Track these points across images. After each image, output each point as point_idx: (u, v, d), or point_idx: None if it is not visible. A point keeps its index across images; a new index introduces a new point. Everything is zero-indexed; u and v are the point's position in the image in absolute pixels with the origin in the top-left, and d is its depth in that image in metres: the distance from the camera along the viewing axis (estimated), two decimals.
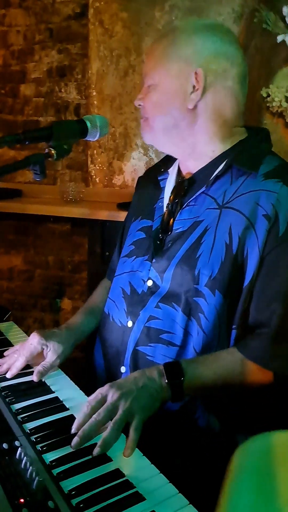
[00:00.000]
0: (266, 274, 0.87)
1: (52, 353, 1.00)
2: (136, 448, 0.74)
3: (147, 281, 0.98)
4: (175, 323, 0.92)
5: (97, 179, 2.09)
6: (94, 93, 2.06)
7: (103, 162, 2.07)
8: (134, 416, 0.76)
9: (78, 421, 0.77)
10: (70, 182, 2.08)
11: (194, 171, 1.00)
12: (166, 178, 1.08)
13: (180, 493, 0.66)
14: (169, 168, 1.09)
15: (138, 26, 1.98)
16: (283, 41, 1.76)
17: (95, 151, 2.07)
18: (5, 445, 0.72)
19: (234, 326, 0.90)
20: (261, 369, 0.88)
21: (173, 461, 0.80)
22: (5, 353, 1.05)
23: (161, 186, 1.08)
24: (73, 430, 0.76)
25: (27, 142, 0.87)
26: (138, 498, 0.64)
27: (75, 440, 0.73)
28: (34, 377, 0.95)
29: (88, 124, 0.93)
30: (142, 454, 0.74)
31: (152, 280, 0.97)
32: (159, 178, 1.10)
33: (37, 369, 0.97)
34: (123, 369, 0.99)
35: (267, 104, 1.77)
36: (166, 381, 0.82)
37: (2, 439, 0.74)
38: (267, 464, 0.27)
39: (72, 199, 1.97)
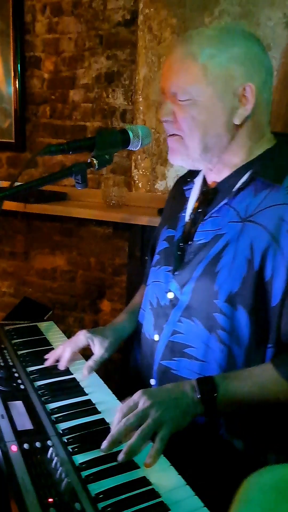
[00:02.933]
0: None
1: (99, 347, 1.04)
2: (164, 458, 0.75)
3: (167, 293, 0.98)
4: (196, 337, 0.91)
5: (139, 184, 2.11)
6: (141, 99, 2.08)
7: (147, 167, 2.09)
8: (163, 426, 0.76)
9: (112, 427, 0.78)
10: (113, 187, 2.11)
11: (219, 180, 0.97)
12: (191, 188, 1.06)
13: (205, 507, 0.66)
14: (194, 178, 1.06)
15: (187, 33, 1.98)
16: None
17: (139, 156, 2.09)
18: (38, 444, 0.76)
19: (269, 345, 0.88)
20: None
21: (198, 473, 0.80)
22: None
23: (186, 196, 1.06)
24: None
25: (70, 152, 0.90)
26: (162, 508, 0.65)
27: (104, 443, 0.75)
28: (84, 371, 1.00)
29: (131, 134, 0.95)
30: (170, 464, 0.74)
31: (173, 292, 0.97)
32: (184, 188, 1.08)
33: (87, 363, 1.02)
34: (152, 381, 1.00)
35: None
36: (199, 396, 0.81)
37: (36, 438, 0.77)
38: (273, 499, 0.26)
39: (115, 204, 2.01)
